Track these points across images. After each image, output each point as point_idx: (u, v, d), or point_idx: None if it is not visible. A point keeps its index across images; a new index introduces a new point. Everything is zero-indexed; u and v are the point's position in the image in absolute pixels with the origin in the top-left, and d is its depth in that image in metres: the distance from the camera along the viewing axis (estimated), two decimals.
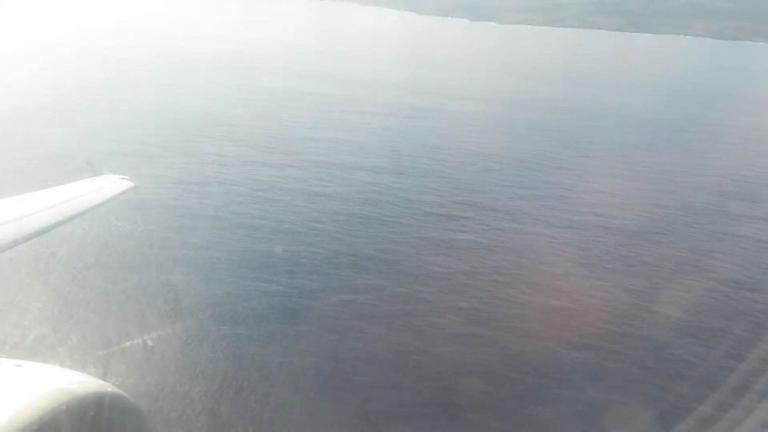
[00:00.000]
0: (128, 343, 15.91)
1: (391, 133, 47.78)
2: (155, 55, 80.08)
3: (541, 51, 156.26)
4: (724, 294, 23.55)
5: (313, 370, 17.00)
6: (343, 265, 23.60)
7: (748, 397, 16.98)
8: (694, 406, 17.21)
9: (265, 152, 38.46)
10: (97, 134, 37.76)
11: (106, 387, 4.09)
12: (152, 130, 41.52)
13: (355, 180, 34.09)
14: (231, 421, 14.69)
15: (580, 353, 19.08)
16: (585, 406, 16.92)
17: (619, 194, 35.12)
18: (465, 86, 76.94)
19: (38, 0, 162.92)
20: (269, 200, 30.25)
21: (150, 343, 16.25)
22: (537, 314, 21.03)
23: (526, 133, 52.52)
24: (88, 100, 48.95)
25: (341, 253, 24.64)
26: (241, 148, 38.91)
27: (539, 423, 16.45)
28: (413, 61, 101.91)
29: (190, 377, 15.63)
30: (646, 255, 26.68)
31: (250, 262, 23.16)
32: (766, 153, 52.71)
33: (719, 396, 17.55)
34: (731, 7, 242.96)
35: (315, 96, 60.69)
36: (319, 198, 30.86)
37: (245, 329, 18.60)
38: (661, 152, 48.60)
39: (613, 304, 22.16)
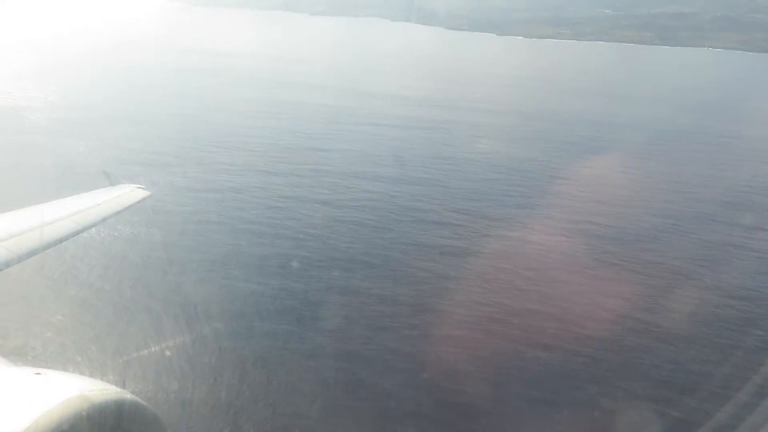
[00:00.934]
0: (146, 351, 16.57)
1: (399, 144, 48.58)
2: (173, 69, 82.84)
3: (565, 64, 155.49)
4: (708, 302, 23.61)
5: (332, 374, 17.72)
6: (334, 269, 24.48)
7: (724, 402, 17.21)
8: (664, 410, 17.53)
9: (274, 162, 39.81)
10: (114, 144, 39.73)
11: (125, 394, 4.10)
12: (168, 140, 43.41)
13: (356, 188, 35.01)
14: (249, 430, 15.31)
15: (554, 356, 19.49)
16: (554, 406, 17.38)
17: (618, 204, 35.18)
18: (482, 99, 77.24)
19: (36, 2, 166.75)
20: (272, 207, 31.49)
21: (167, 351, 16.88)
22: (513, 318, 21.43)
23: (534, 144, 52.61)
24: (107, 112, 51.14)
25: (332, 257, 25.53)
26: (252, 158, 40.33)
27: (512, 423, 17.00)
28: (435, 75, 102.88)
29: (208, 385, 16.26)
30: (634, 263, 26.78)
31: (247, 265, 24.30)
32: None
33: (691, 400, 17.85)
34: (765, 19, 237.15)
35: (331, 108, 61.93)
36: (319, 205, 31.89)
37: (257, 334, 19.35)
38: (671, 163, 48.28)
39: (593, 309, 22.43)
